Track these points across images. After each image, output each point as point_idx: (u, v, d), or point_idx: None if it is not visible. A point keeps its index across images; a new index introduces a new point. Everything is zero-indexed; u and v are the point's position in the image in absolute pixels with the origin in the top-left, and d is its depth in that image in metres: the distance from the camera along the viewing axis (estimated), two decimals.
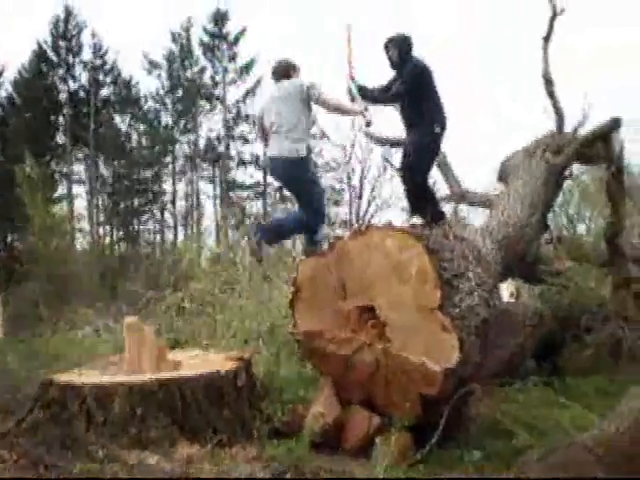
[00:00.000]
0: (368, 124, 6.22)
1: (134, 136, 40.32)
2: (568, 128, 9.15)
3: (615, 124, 8.32)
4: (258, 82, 38.64)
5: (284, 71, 6.16)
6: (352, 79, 6.33)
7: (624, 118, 8.33)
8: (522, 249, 7.09)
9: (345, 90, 6.31)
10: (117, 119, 39.47)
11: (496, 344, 5.54)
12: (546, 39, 9.16)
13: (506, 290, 7.68)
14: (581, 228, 16.09)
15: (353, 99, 6.20)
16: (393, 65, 6.50)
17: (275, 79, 6.19)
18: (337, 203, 36.99)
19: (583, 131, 9.08)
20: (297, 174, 5.84)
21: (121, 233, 39.37)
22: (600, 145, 8.44)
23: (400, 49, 6.41)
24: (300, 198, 6.06)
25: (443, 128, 6.37)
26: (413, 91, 6.24)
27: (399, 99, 6.47)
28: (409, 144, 6.45)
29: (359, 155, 32.48)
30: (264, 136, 6.18)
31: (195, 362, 4.92)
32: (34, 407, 4.27)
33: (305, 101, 5.89)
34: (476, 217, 14.76)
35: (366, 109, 6.17)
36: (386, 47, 6.50)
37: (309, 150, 5.92)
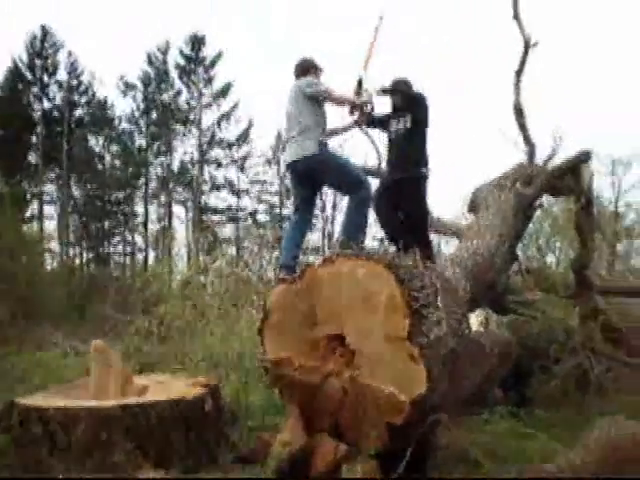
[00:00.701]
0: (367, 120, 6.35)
1: (107, 157, 40.16)
2: (539, 159, 9.29)
3: (585, 156, 8.44)
4: (234, 106, 38.84)
5: (301, 69, 6.23)
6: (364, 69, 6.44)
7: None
8: (491, 279, 7.14)
9: (355, 79, 6.37)
10: (91, 140, 39.30)
11: (464, 374, 5.56)
12: (518, 72, 9.29)
13: (475, 320, 7.72)
14: (550, 259, 16.23)
15: (359, 92, 6.26)
16: (396, 109, 6.69)
17: (295, 78, 6.23)
18: (309, 228, 36.92)
19: (553, 163, 9.21)
20: (318, 164, 5.81)
21: (91, 255, 39.04)
22: (570, 177, 8.55)
23: (402, 93, 6.62)
24: (336, 183, 6.10)
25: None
26: (421, 125, 6.50)
27: (406, 131, 6.53)
28: (410, 200, 6.53)
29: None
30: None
31: (162, 387, 4.88)
32: None
33: (311, 99, 5.92)
34: (446, 246, 14.85)
35: (368, 105, 6.34)
36: (388, 93, 6.70)
37: (322, 145, 5.87)
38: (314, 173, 5.89)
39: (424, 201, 6.68)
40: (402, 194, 6.50)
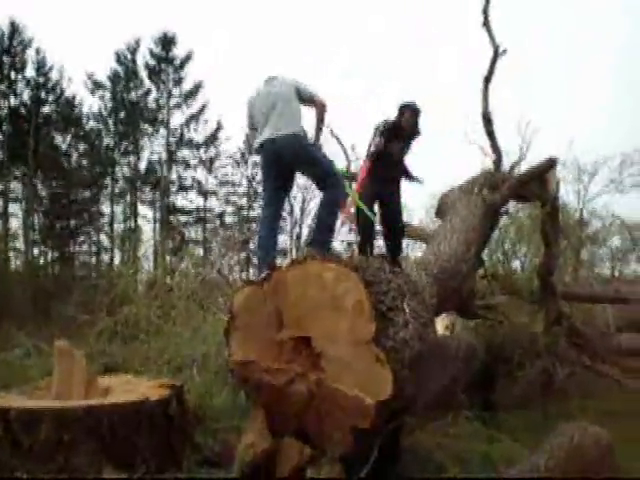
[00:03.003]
0: None
1: (74, 156, 39.74)
2: (506, 166, 9.38)
3: (551, 163, 8.53)
4: (203, 107, 38.68)
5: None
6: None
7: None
8: (457, 283, 7.17)
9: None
10: (57, 138, 38.88)
11: (429, 377, 5.58)
12: (487, 79, 9.37)
13: (441, 324, 7.75)
14: (515, 264, 16.35)
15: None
16: (402, 128, 6.97)
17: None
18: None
19: (520, 169, 9.30)
20: (298, 146, 5.64)
21: (56, 254, 38.60)
22: (536, 184, 8.64)
23: (417, 118, 7.03)
24: (314, 174, 5.82)
25: None
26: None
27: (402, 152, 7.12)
28: (396, 200, 7.00)
29: (300, 182, 32.62)
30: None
31: (126, 389, 4.85)
32: None
33: (297, 95, 5.84)
34: (412, 250, 14.91)
35: None
36: (405, 110, 7.00)
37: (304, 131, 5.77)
38: (287, 155, 5.66)
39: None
40: (392, 204, 6.94)
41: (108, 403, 4.28)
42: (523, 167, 9.54)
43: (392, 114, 6.97)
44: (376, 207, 6.94)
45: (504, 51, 9.43)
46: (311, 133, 6.11)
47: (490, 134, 9.39)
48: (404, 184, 7.14)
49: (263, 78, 6.10)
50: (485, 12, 9.48)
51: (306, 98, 5.89)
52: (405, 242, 8.07)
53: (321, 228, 5.57)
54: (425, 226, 12.17)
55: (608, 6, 52.45)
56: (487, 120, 9.35)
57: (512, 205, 11.68)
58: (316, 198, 31.84)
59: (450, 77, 49.04)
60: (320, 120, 6.05)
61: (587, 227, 26.44)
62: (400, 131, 6.94)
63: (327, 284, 4.41)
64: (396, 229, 7.03)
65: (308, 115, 6.02)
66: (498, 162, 9.45)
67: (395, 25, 55.02)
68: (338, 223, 6.14)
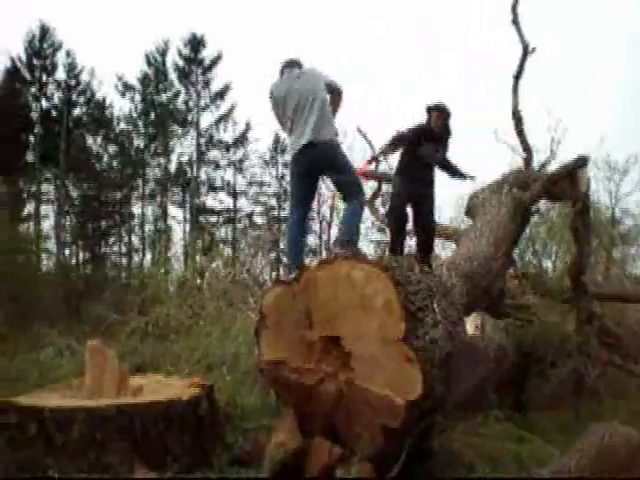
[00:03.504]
0: None
1: (105, 157, 40.09)
2: (536, 164, 9.31)
3: (582, 162, 8.46)
4: (232, 108, 38.84)
5: (295, 62, 5.97)
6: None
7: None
8: (488, 283, 7.14)
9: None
10: (88, 140, 39.23)
11: (460, 377, 5.55)
12: (517, 77, 9.30)
13: (471, 324, 7.72)
14: (546, 264, 16.24)
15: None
16: (431, 130, 7.10)
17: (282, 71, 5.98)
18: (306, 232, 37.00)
19: (551, 168, 9.22)
20: (330, 155, 5.58)
21: (87, 255, 38.95)
22: (567, 182, 8.56)
23: (447, 119, 7.19)
24: (339, 181, 5.78)
25: None
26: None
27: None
28: (429, 201, 7.15)
29: (329, 184, 32.56)
30: None
31: (157, 388, 4.88)
32: None
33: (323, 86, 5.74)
34: (443, 250, 14.85)
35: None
36: (432, 112, 7.16)
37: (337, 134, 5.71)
38: (323, 161, 5.61)
39: None
40: (425, 205, 7.07)
41: (140, 402, 4.31)
42: (553, 166, 9.45)
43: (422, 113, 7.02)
44: (409, 208, 6.99)
45: (534, 49, 9.36)
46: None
47: (520, 132, 9.32)
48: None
49: (281, 63, 5.99)
50: (514, 9, 9.41)
51: (333, 90, 5.82)
52: (435, 242, 8.05)
53: (348, 230, 5.58)
54: (455, 226, 12.10)
55: None
56: (517, 118, 9.28)
57: (543, 204, 11.59)
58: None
59: (476, 75, 48.74)
60: (336, 109, 5.99)
61: (619, 226, 26.17)
62: (429, 133, 6.95)
63: (357, 284, 4.41)
64: (427, 229, 7.13)
65: None
66: (528, 160, 9.38)
67: (419, 23, 54.77)
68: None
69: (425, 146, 6.94)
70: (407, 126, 7.14)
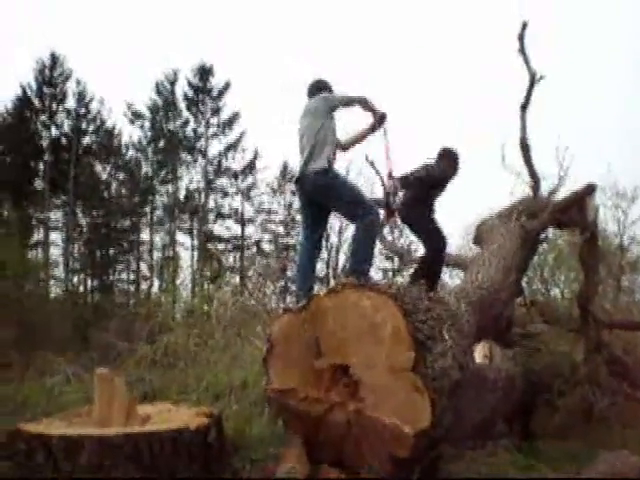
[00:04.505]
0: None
1: (113, 185, 40.32)
2: (544, 192, 9.32)
3: (590, 190, 8.46)
4: (240, 136, 39.09)
5: (316, 88, 6.16)
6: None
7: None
8: (496, 311, 7.13)
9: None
10: (98, 167, 39.48)
11: (468, 406, 5.54)
12: (524, 107, 9.34)
13: (479, 352, 7.69)
14: (555, 292, 16.20)
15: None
16: (443, 179, 7.27)
17: (309, 96, 6.18)
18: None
19: (558, 196, 9.23)
20: (324, 187, 5.65)
21: (96, 282, 39.02)
22: (575, 210, 8.56)
23: (457, 164, 7.42)
24: (341, 209, 5.90)
25: None
26: None
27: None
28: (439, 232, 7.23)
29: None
30: None
31: (165, 417, 4.87)
32: None
33: (331, 113, 5.86)
34: (451, 278, 14.84)
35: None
36: (445, 157, 7.35)
37: (331, 162, 5.71)
38: (319, 194, 5.73)
39: None
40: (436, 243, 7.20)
41: (148, 431, 4.30)
42: (561, 193, 9.46)
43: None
44: None
45: (541, 77, 9.40)
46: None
47: (528, 161, 9.34)
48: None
49: (307, 86, 6.21)
50: (521, 38, 9.46)
51: (349, 104, 5.97)
52: (444, 270, 8.06)
53: (358, 258, 5.61)
54: (463, 254, 12.10)
55: None
56: (525, 147, 9.30)
57: (551, 232, 11.60)
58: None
59: (486, 103, 48.91)
60: (371, 112, 6.12)
61: (627, 253, 26.08)
62: (441, 182, 7.08)
63: (365, 312, 4.42)
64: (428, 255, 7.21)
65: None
66: (536, 188, 9.39)
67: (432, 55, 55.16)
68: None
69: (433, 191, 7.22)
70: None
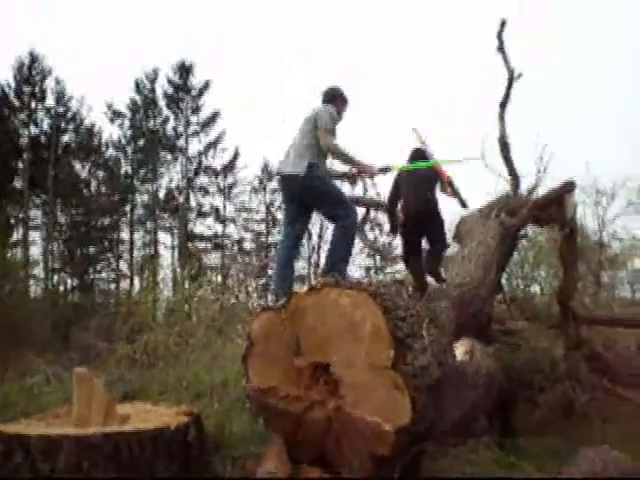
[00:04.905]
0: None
1: (93, 184, 40.07)
2: (523, 189, 9.35)
3: (569, 187, 8.49)
4: (220, 135, 38.96)
5: (327, 96, 6.21)
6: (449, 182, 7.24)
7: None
8: (476, 308, 7.15)
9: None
10: (77, 166, 39.22)
11: (449, 403, 5.54)
12: (503, 105, 9.37)
13: (460, 349, 7.70)
14: (535, 288, 16.25)
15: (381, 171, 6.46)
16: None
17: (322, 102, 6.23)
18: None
19: (538, 193, 9.26)
20: (305, 188, 5.73)
21: (76, 281, 38.75)
22: (554, 207, 8.59)
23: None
24: (322, 209, 6.00)
25: None
26: None
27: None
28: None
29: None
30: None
31: (144, 416, 4.84)
32: None
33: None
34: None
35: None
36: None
37: (313, 166, 5.73)
38: (304, 193, 5.80)
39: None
40: (431, 224, 7.35)
41: (127, 430, 4.27)
42: (541, 191, 9.49)
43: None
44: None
45: (520, 75, 9.44)
46: None
47: (507, 159, 9.36)
48: None
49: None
50: (500, 37, 9.49)
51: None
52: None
53: (335, 257, 5.64)
54: None
55: (626, 24, 52.50)
56: (504, 145, 9.33)
57: (531, 229, 11.64)
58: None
59: (466, 100, 49.07)
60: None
61: (607, 250, 26.23)
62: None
63: (345, 310, 4.41)
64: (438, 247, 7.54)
65: None
66: (516, 186, 9.42)
67: (406, 42, 55.23)
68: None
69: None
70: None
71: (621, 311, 13.51)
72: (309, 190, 5.74)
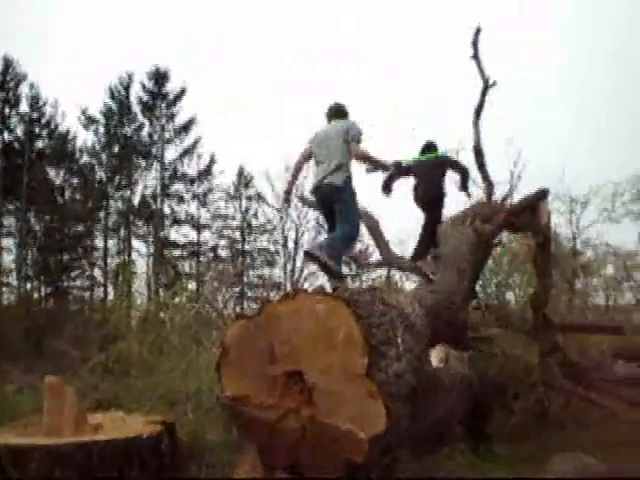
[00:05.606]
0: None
1: (67, 190, 39.74)
2: (497, 197, 9.41)
3: (542, 194, 8.55)
4: (196, 142, 38.83)
5: (337, 112, 6.97)
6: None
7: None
8: (451, 315, 7.16)
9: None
10: (51, 172, 38.87)
11: (424, 410, 5.54)
12: (477, 112, 9.42)
13: (435, 356, 7.71)
14: (509, 295, 16.32)
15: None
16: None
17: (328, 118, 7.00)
18: (271, 264, 37.18)
19: (512, 200, 9.32)
20: (338, 196, 6.46)
21: (49, 289, 38.39)
22: (528, 215, 8.64)
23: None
24: (341, 212, 6.51)
25: None
26: None
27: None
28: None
29: (294, 218, 32.74)
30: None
31: (117, 425, 4.81)
32: None
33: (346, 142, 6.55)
34: (406, 282, 14.89)
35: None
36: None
37: (348, 180, 6.53)
38: (332, 199, 6.54)
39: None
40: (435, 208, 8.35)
41: (98, 440, 4.24)
42: (515, 198, 9.57)
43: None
44: None
45: (494, 83, 9.50)
46: None
47: (481, 166, 9.42)
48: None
49: (329, 107, 7.00)
50: (475, 44, 9.55)
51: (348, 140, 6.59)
52: (397, 274, 8.16)
53: (333, 245, 6.24)
54: None
55: (600, 35, 53.10)
56: (478, 152, 9.38)
57: (505, 236, 11.70)
58: (308, 231, 32.21)
59: (440, 105, 49.31)
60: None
61: (580, 257, 26.45)
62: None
63: (319, 318, 4.40)
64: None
65: None
66: (490, 193, 9.48)
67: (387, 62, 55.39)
68: None
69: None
70: None
71: (595, 318, 13.61)
72: (340, 197, 6.50)
